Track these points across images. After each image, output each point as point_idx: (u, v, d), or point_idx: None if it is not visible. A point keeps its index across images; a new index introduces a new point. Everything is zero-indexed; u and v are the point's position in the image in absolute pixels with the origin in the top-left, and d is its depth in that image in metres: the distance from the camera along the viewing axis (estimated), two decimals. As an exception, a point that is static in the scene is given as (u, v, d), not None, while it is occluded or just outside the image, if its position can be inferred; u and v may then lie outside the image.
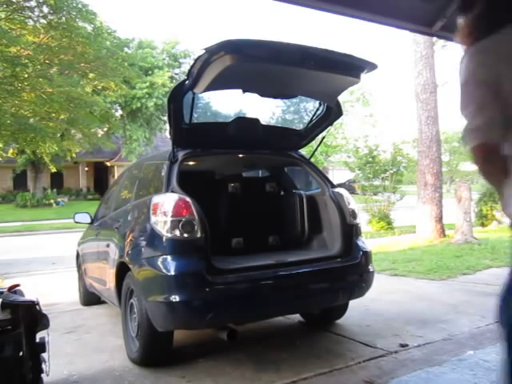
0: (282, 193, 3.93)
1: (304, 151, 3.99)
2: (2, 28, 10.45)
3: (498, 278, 4.40)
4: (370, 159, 14.03)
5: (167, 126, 4.20)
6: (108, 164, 29.11)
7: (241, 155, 3.53)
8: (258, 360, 2.84)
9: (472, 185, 9.31)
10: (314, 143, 4.66)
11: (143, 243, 2.88)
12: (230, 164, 4.00)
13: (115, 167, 28.17)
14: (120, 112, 26.46)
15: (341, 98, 3.24)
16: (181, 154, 2.99)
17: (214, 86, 2.60)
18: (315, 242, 3.41)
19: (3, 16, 11.16)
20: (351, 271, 3.06)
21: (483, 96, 1.25)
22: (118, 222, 3.45)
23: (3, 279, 6.52)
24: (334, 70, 2.65)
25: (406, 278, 5.43)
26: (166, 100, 3.56)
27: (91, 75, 13.85)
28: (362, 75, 2.77)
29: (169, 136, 3.32)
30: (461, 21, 1.41)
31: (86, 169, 30.05)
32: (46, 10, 11.73)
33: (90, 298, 4.72)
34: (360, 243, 3.16)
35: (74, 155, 18.84)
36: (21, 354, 2.14)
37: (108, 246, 3.55)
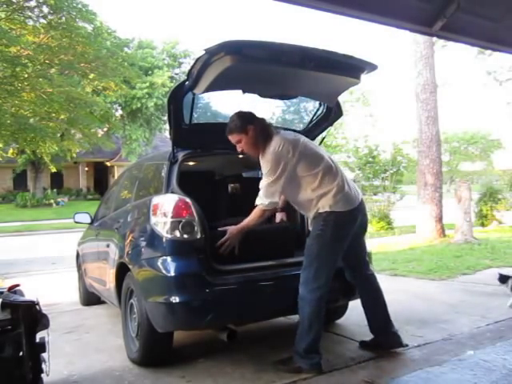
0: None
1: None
2: (2, 28, 10.46)
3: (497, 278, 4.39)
4: (370, 159, 14.06)
5: (167, 126, 4.20)
6: (108, 164, 29.11)
7: (241, 156, 3.52)
8: (258, 360, 2.84)
9: (472, 185, 9.31)
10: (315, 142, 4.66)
11: (143, 244, 2.88)
12: (230, 164, 4.00)
13: (115, 167, 28.18)
14: (120, 112, 26.48)
15: (341, 98, 3.24)
16: (181, 155, 2.98)
17: (214, 86, 2.59)
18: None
19: (3, 16, 11.16)
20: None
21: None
22: (118, 222, 3.45)
23: (3, 279, 6.53)
24: (334, 71, 2.65)
25: (406, 277, 5.43)
26: (166, 100, 3.54)
27: (91, 75, 13.86)
28: (363, 76, 2.76)
29: (169, 136, 3.32)
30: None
31: (86, 169, 30.05)
32: (46, 10, 11.75)
33: (90, 298, 4.72)
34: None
35: (74, 155, 18.86)
36: (21, 353, 2.14)
37: (108, 246, 3.55)
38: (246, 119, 2.72)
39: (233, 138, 2.76)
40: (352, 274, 2.91)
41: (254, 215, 2.72)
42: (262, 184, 2.65)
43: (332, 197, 2.60)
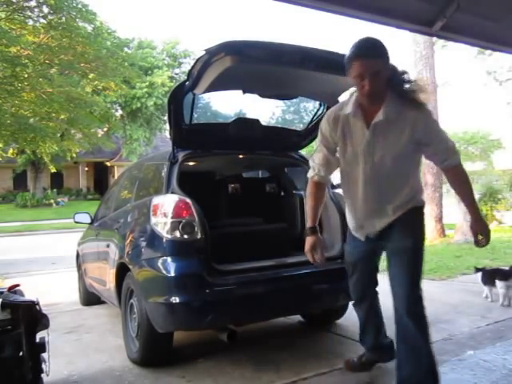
0: (283, 193, 3.93)
1: (304, 151, 3.99)
2: (2, 28, 10.47)
3: (497, 279, 4.36)
4: (370, 159, 14.02)
5: (167, 126, 4.20)
6: (108, 164, 29.11)
7: (241, 156, 3.53)
8: (258, 360, 2.84)
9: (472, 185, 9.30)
10: (315, 143, 4.66)
11: (143, 244, 2.87)
12: (231, 165, 4.00)
13: (115, 167, 28.18)
14: (120, 112, 26.47)
15: (341, 99, 3.24)
16: (181, 155, 2.98)
17: (214, 87, 2.59)
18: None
19: (3, 16, 11.18)
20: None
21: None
22: (118, 222, 3.45)
23: (3, 279, 6.53)
24: (335, 71, 2.65)
25: (406, 278, 5.42)
26: (166, 100, 3.56)
27: (91, 75, 13.90)
28: (362, 76, 2.76)
29: (169, 136, 3.32)
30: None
31: (86, 169, 30.05)
32: (46, 10, 11.78)
33: (90, 298, 4.72)
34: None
35: (74, 155, 18.85)
36: (21, 353, 2.14)
37: (108, 246, 3.55)
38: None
39: (374, 65, 2.02)
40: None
41: (464, 176, 2.21)
42: (449, 140, 2.17)
43: None
